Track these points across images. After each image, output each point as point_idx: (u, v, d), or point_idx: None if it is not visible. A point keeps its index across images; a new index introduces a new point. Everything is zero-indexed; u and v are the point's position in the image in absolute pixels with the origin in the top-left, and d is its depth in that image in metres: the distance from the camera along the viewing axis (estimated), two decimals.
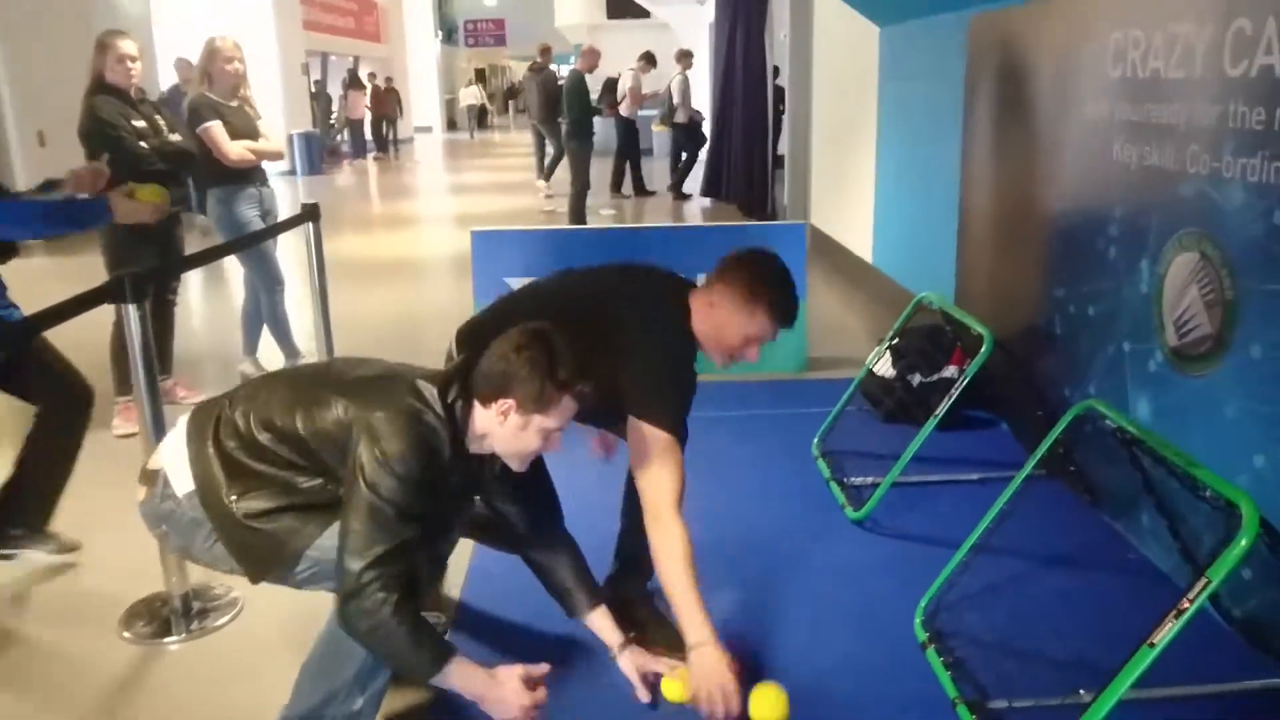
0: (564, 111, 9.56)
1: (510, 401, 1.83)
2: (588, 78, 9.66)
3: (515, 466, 1.96)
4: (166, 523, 1.99)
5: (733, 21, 10.13)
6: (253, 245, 4.27)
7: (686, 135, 11.82)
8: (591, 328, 2.06)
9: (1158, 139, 2.72)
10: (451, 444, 1.86)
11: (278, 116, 4.44)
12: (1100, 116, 3.05)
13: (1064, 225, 3.33)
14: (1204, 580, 1.77)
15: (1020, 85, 3.68)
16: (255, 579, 1.95)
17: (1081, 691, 1.98)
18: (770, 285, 2.14)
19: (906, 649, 2.41)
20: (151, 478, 2.00)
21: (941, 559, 2.55)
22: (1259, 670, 2.28)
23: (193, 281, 7.31)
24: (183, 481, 1.94)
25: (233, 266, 4.86)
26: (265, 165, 4.56)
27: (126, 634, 2.57)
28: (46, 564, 2.91)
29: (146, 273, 2.54)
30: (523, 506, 2.20)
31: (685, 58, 11.99)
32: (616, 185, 11.96)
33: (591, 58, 9.82)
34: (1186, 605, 1.77)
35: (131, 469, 2.17)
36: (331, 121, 19.98)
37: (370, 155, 19.79)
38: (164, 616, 2.61)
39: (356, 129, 20.03)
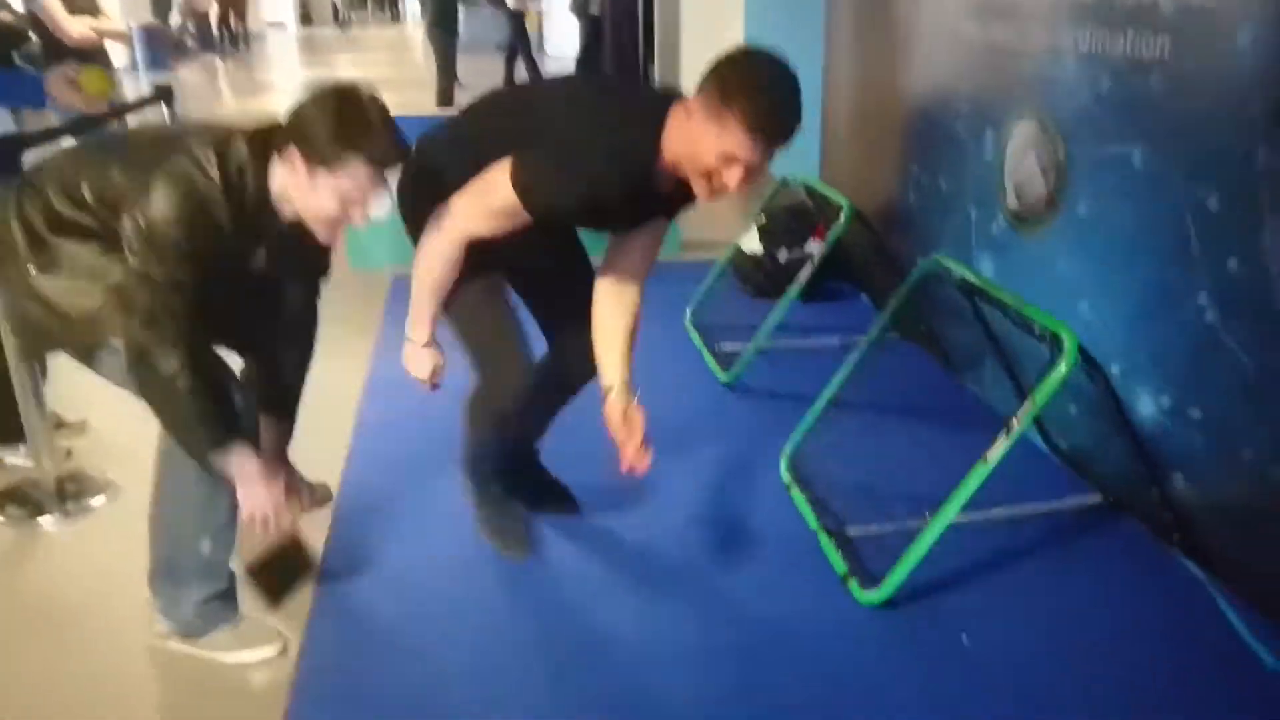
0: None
1: (297, 151, 1.74)
2: None
3: (321, 237, 1.87)
4: None
5: None
6: (98, 128, 4.04)
7: (594, 28, 11.45)
8: (533, 124, 1.93)
9: (1001, 18, 2.88)
10: (231, 207, 1.76)
11: (112, 5, 4.14)
12: None
13: (918, 104, 3.50)
14: (1029, 402, 1.99)
15: None
16: (25, 356, 1.90)
17: (927, 514, 2.20)
18: (748, 87, 1.74)
19: (773, 490, 2.61)
20: None
21: (805, 414, 2.74)
22: (1079, 492, 2.58)
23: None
24: None
25: None
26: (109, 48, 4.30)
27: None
28: None
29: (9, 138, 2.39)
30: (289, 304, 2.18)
31: None
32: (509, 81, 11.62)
33: None
34: (1015, 424, 1.99)
35: None
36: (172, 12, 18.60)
37: (219, 51, 18.59)
38: (36, 500, 2.57)
39: (203, 22, 18.71)
